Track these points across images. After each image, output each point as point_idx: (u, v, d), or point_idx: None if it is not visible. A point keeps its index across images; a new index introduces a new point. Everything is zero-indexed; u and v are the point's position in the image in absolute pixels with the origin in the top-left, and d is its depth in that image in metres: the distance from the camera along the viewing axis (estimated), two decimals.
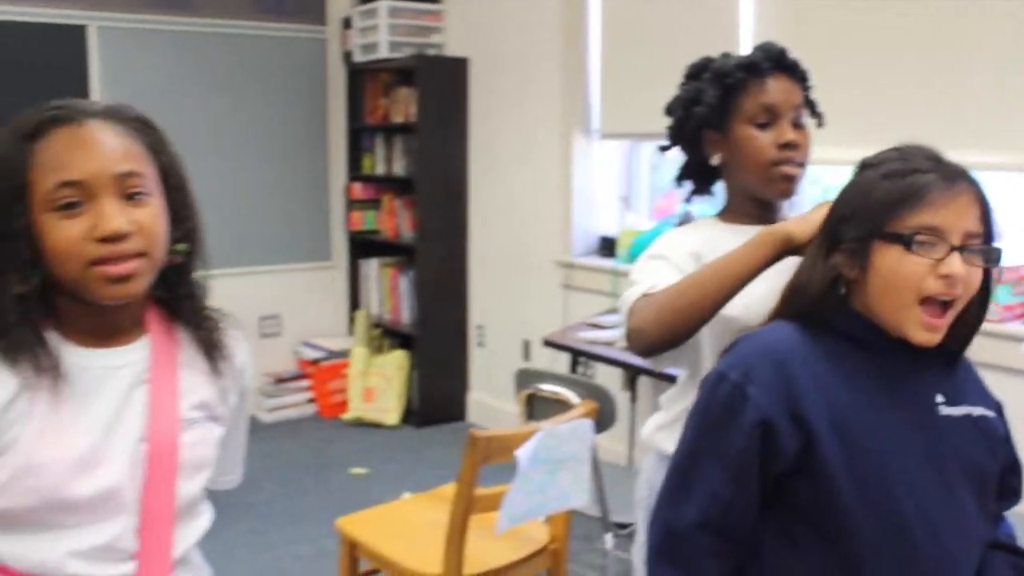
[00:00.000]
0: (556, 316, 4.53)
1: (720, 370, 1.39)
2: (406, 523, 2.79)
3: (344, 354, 5.45)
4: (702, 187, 1.91)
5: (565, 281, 4.59)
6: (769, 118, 1.74)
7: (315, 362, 5.45)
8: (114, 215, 1.17)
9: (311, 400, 5.48)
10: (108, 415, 1.24)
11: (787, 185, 1.76)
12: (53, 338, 1.22)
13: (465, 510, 2.37)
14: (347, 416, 5.31)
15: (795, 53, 1.81)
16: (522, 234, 4.87)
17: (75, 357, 1.22)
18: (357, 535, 2.70)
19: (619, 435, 3.83)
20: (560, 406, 2.69)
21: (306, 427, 5.25)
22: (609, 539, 2.82)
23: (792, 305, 1.44)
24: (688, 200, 1.95)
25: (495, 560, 2.57)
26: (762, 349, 1.38)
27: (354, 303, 5.72)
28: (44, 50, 4.65)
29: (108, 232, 1.16)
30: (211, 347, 1.33)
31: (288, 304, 5.53)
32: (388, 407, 5.25)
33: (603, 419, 2.62)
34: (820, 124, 1.83)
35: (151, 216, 1.21)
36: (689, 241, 1.79)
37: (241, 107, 5.24)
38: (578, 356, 3.66)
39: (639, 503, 1.92)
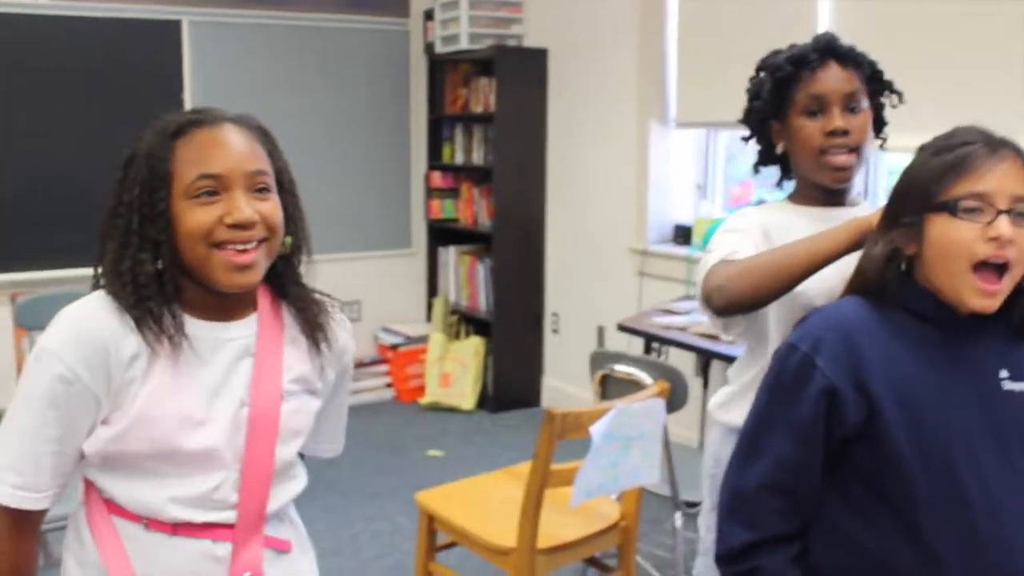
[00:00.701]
0: (631, 304, 4.59)
1: (791, 341, 1.46)
2: (482, 498, 2.88)
3: (422, 340, 5.57)
4: (785, 173, 1.98)
5: (640, 269, 4.64)
6: (819, 106, 1.81)
7: (394, 347, 5.58)
8: (244, 205, 1.33)
9: (389, 384, 5.62)
10: (215, 381, 1.38)
11: (838, 172, 1.82)
12: (176, 310, 1.36)
13: (541, 484, 2.46)
14: (424, 400, 5.44)
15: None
16: (598, 222, 4.94)
17: (192, 328, 1.37)
18: (436, 508, 2.80)
19: (691, 418, 3.89)
20: (633, 387, 2.75)
21: (384, 411, 5.39)
22: (678, 517, 2.87)
23: (858, 282, 1.50)
24: (779, 185, 2.02)
25: (568, 534, 2.65)
26: (831, 322, 1.45)
27: (432, 290, 5.84)
28: (139, 45, 4.85)
29: (239, 220, 1.32)
30: (313, 328, 1.47)
31: (368, 290, 5.67)
32: (464, 392, 5.36)
33: (675, 399, 2.68)
34: (900, 102, 1.88)
35: (273, 209, 1.37)
36: (761, 219, 1.87)
37: (327, 98, 5.39)
38: (651, 341, 3.72)
39: (704, 473, 1.99)
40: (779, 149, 1.90)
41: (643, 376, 2.76)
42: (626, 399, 2.54)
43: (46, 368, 1.31)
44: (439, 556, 2.91)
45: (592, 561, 2.95)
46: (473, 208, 5.55)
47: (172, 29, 4.92)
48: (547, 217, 5.32)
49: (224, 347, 1.39)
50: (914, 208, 1.42)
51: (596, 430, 2.38)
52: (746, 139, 1.99)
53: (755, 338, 1.89)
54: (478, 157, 5.48)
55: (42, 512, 1.38)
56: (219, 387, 1.37)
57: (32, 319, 4.58)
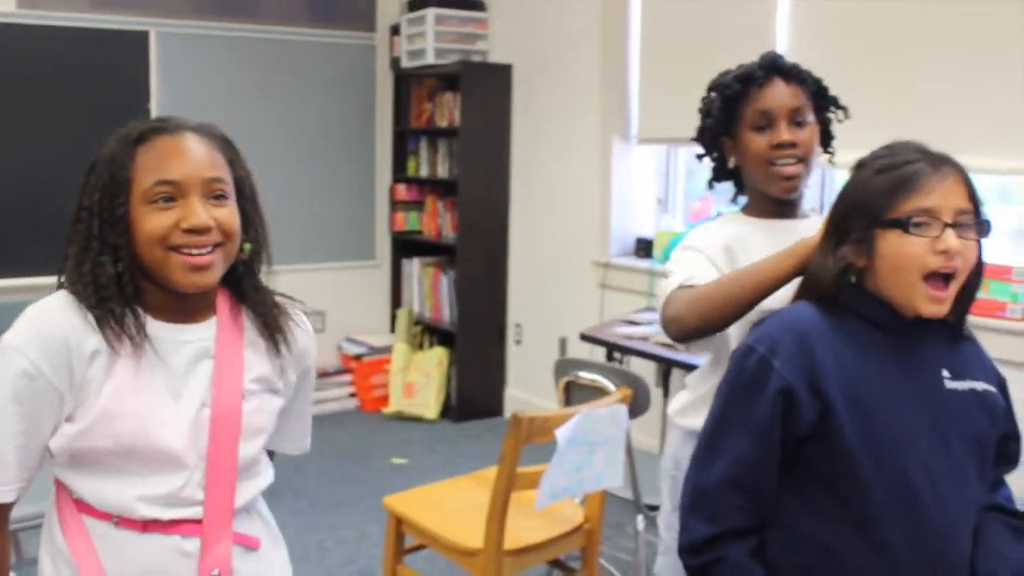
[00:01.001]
0: (593, 315, 4.68)
1: (748, 343, 1.55)
2: (449, 502, 2.95)
3: (386, 350, 5.63)
4: (739, 187, 2.07)
5: (602, 281, 4.74)
6: (766, 121, 1.90)
7: (358, 357, 5.63)
8: (200, 211, 1.38)
9: (353, 394, 5.66)
10: (176, 381, 1.42)
11: (786, 182, 1.91)
12: (137, 311, 1.41)
13: (507, 486, 2.53)
14: (388, 410, 5.49)
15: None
16: (561, 235, 5.03)
17: (153, 328, 1.42)
18: (403, 512, 2.86)
19: (652, 425, 3.98)
20: (597, 394, 2.83)
21: (348, 420, 5.44)
22: (640, 520, 2.96)
23: (810, 290, 1.59)
24: (734, 200, 2.11)
25: (533, 537, 2.73)
26: (786, 326, 1.54)
27: (396, 301, 5.90)
28: (107, 55, 4.89)
29: (194, 224, 1.37)
30: (272, 330, 1.52)
31: (332, 301, 5.71)
32: (427, 402, 5.42)
33: (637, 405, 2.76)
34: (846, 117, 1.98)
35: (229, 215, 1.42)
36: (720, 235, 1.96)
37: (293, 110, 5.45)
38: (613, 350, 3.80)
39: (664, 475, 2.08)
40: (731, 164, 2.00)
41: (606, 383, 2.85)
42: (590, 405, 2.62)
43: (10, 364, 1.35)
44: (407, 559, 2.97)
45: (556, 563, 3.02)
46: (437, 221, 5.62)
47: (140, 39, 4.95)
48: (511, 229, 5.40)
49: (183, 348, 1.43)
50: (863, 225, 1.52)
51: (561, 434, 2.46)
52: (700, 156, 2.08)
53: (717, 350, 1.98)
54: (443, 170, 5.56)
55: (9, 505, 1.42)
56: (180, 388, 1.42)
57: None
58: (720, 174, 2.06)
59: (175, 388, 1.41)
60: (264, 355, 1.51)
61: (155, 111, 4.96)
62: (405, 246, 5.84)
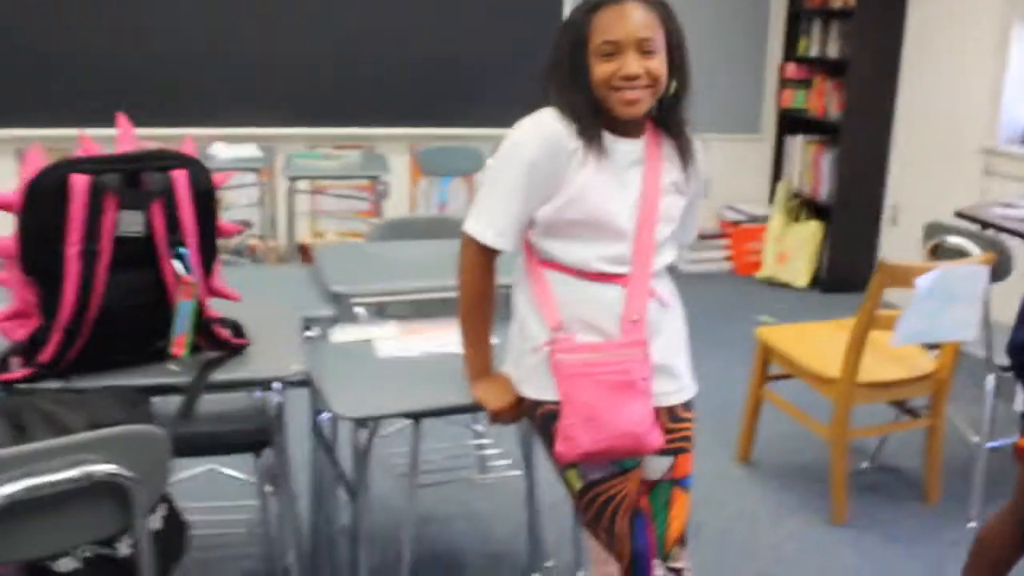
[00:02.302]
0: (972, 202, 4.78)
1: None
2: (813, 338, 3.37)
3: (763, 219, 6.03)
4: None
5: (986, 168, 4.80)
6: None
7: (735, 223, 6.08)
8: (632, 63, 1.87)
9: (728, 258, 6.14)
10: (621, 177, 1.95)
11: None
12: (599, 128, 1.95)
13: (867, 323, 2.92)
14: (760, 274, 5.92)
15: None
16: (947, 120, 5.11)
17: (607, 140, 1.96)
18: (772, 341, 3.33)
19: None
20: (961, 257, 3.10)
21: (722, 280, 5.94)
22: (990, 379, 3.20)
23: None
24: None
25: (885, 374, 3.10)
26: None
27: (776, 174, 6.24)
28: None
29: (628, 73, 1.88)
30: (683, 149, 2.02)
31: (716, 170, 6.11)
32: (799, 270, 5.78)
33: (999, 269, 3.00)
34: None
35: (657, 65, 1.90)
36: None
37: None
38: (987, 228, 3.96)
39: None
40: None
41: (972, 248, 3.10)
42: (953, 263, 2.91)
43: (518, 154, 1.92)
44: (768, 385, 3.45)
45: (903, 406, 3.37)
46: (823, 99, 5.85)
47: None
48: (896, 111, 5.53)
49: (626, 155, 1.96)
50: None
51: (922, 282, 2.79)
52: None
53: None
54: (833, 51, 5.75)
55: (497, 254, 2.00)
56: (624, 182, 1.95)
57: (428, 165, 5.56)
58: None
59: (621, 182, 1.95)
60: (676, 166, 2.01)
61: None
62: (790, 123, 6.13)
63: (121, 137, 1.98)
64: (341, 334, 2.37)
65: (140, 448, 1.62)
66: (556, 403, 1.90)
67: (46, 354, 1.85)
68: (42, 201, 1.79)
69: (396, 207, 5.73)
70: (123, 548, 1.84)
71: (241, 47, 5.40)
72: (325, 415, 2.56)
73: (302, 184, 5.43)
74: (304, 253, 5.46)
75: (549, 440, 1.93)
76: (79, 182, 1.79)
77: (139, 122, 2.17)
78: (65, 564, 1.77)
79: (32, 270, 1.83)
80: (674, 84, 1.97)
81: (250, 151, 5.05)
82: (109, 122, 2.37)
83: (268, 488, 2.57)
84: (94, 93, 5.23)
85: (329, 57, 5.50)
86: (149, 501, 1.69)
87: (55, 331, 1.84)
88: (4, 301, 1.94)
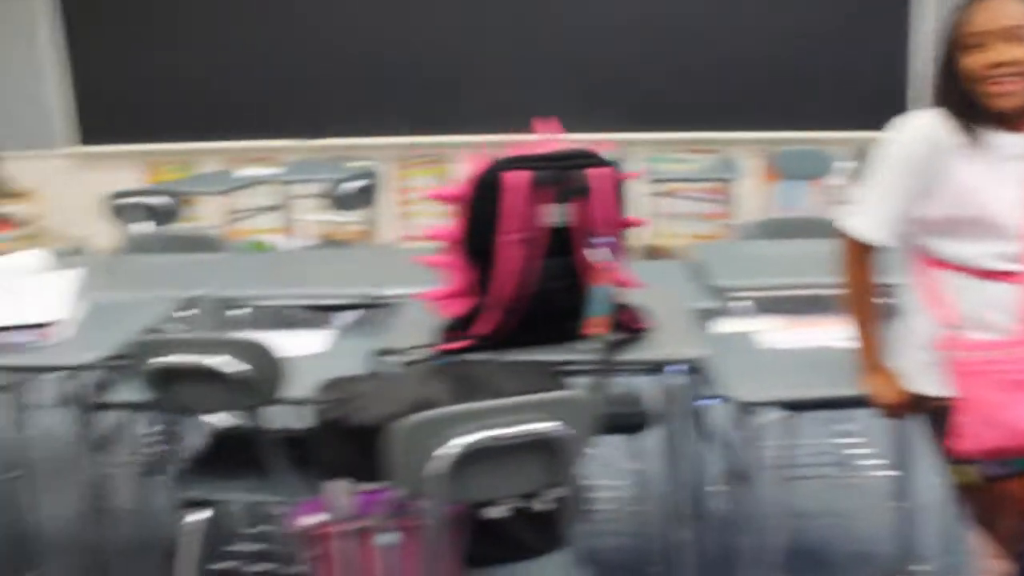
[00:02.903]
0: None
1: None
2: None
3: None
4: None
5: None
6: None
7: None
8: (999, 52, 1.86)
9: None
10: (1000, 173, 1.91)
11: None
12: (978, 122, 1.93)
13: None
14: None
15: None
16: None
17: (989, 136, 1.93)
18: None
19: None
20: None
21: None
22: None
23: None
24: None
25: None
26: None
27: None
28: None
29: (994, 61, 1.86)
30: None
31: None
32: None
33: None
34: None
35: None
36: None
37: None
38: None
39: None
40: None
41: None
42: None
43: (894, 151, 1.95)
44: None
45: None
46: None
47: None
48: None
49: (1005, 150, 1.91)
50: None
51: None
52: None
53: None
54: None
55: (876, 250, 2.01)
56: (1003, 177, 1.91)
57: (783, 166, 5.63)
58: None
59: (1002, 177, 1.91)
60: None
61: None
62: None
63: (542, 141, 2.21)
64: (727, 325, 2.49)
65: (574, 411, 1.83)
66: (949, 399, 1.91)
67: (485, 328, 2.12)
68: (486, 193, 2.06)
69: (746, 209, 5.80)
70: (537, 504, 2.08)
71: (598, 56, 5.71)
72: (708, 401, 2.70)
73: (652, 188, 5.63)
74: (654, 253, 5.65)
75: (940, 436, 1.95)
76: (518, 178, 2.04)
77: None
78: (496, 512, 2.04)
79: (474, 253, 2.11)
80: None
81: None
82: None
83: (638, 467, 2.74)
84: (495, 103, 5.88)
85: (680, 63, 5.69)
86: (575, 459, 1.90)
87: (493, 308, 2.10)
88: (435, 283, 2.23)
